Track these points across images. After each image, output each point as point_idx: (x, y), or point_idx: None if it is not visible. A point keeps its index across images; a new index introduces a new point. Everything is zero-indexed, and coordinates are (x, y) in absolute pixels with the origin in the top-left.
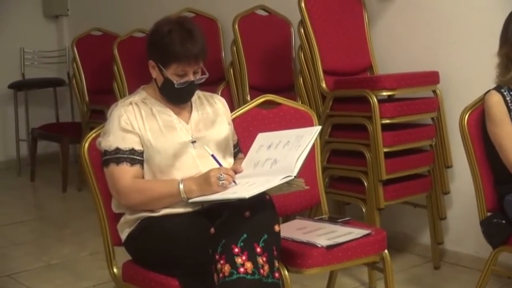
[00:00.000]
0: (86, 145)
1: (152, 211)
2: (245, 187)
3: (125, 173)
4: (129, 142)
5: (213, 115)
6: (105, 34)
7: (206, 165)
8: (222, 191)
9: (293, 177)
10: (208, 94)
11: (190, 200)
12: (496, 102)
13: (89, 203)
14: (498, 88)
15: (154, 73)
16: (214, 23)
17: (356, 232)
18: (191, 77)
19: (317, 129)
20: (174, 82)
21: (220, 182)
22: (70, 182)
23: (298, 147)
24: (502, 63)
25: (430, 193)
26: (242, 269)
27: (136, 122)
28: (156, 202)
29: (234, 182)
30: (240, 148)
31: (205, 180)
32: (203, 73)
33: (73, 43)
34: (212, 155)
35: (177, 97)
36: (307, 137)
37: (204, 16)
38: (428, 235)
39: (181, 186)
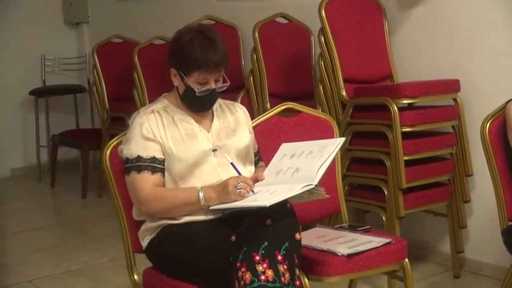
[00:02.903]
0: (108, 152)
1: (173, 218)
2: (265, 195)
3: (146, 181)
4: (150, 151)
5: (234, 124)
6: (125, 41)
7: (227, 173)
8: (241, 199)
9: (314, 186)
10: (229, 102)
11: (211, 207)
12: None
13: (109, 209)
14: None
15: (176, 81)
16: (234, 30)
17: (376, 241)
18: (212, 85)
19: (340, 140)
20: (196, 90)
21: (238, 190)
22: (90, 188)
23: (321, 157)
24: None
25: (450, 202)
26: (263, 277)
27: (158, 130)
28: (176, 210)
29: (252, 191)
30: (260, 156)
31: (223, 188)
32: (224, 81)
33: (93, 50)
34: (232, 163)
35: (199, 105)
36: (330, 147)
37: (224, 24)
38: (448, 243)
39: (201, 194)
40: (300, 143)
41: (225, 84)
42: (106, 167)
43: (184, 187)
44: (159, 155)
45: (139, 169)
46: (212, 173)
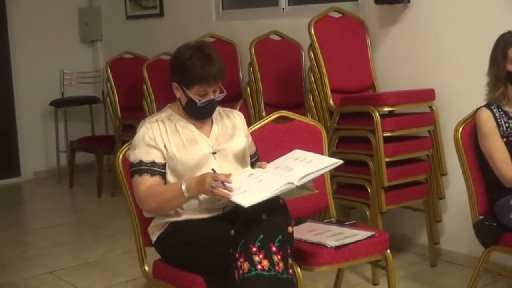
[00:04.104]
0: (120, 156)
1: (178, 215)
2: (254, 185)
3: (144, 182)
4: (151, 156)
5: (232, 129)
6: (136, 57)
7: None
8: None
9: (294, 185)
10: (228, 110)
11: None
12: (486, 118)
13: (122, 208)
14: (488, 105)
15: (178, 94)
16: (232, 46)
17: (361, 234)
18: (211, 96)
19: (337, 161)
20: (197, 101)
21: (211, 188)
22: (104, 188)
23: (314, 167)
24: (491, 82)
25: (427, 198)
26: (259, 266)
27: (160, 138)
28: (168, 204)
29: (223, 183)
30: (259, 156)
31: (201, 182)
32: (221, 91)
33: (107, 65)
34: (213, 169)
35: (200, 114)
36: (326, 163)
37: (223, 41)
38: (425, 236)
39: (183, 186)
40: (309, 153)
41: (222, 94)
42: (119, 169)
43: (171, 183)
44: (158, 160)
45: (140, 172)
46: (205, 170)
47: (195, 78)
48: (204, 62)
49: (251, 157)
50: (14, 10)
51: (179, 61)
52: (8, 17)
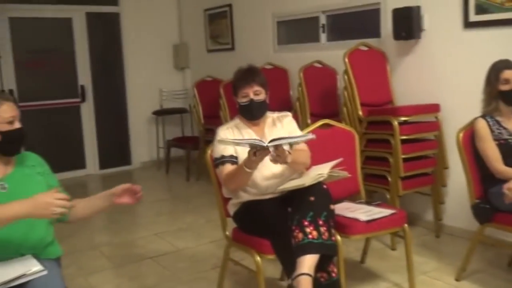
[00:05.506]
0: (209, 151)
1: (250, 197)
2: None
3: (226, 169)
4: (229, 151)
5: (282, 131)
6: (214, 79)
7: (271, 165)
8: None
9: (264, 144)
10: (281, 114)
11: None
12: (482, 125)
13: (204, 188)
14: (483, 116)
15: (236, 104)
16: (285, 72)
17: (385, 212)
18: (251, 96)
19: (308, 135)
20: (241, 103)
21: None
22: (191, 174)
23: (287, 136)
24: (486, 99)
25: (433, 186)
26: (310, 236)
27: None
28: (241, 182)
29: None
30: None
31: (248, 158)
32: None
33: (193, 85)
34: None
35: (248, 114)
36: (300, 135)
37: (278, 68)
38: (431, 214)
39: (244, 165)
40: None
41: (262, 95)
42: (208, 161)
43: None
44: (235, 154)
45: (223, 163)
46: (266, 165)
47: (237, 85)
48: (244, 73)
49: None
50: (128, 47)
51: (233, 80)
52: (123, 52)
